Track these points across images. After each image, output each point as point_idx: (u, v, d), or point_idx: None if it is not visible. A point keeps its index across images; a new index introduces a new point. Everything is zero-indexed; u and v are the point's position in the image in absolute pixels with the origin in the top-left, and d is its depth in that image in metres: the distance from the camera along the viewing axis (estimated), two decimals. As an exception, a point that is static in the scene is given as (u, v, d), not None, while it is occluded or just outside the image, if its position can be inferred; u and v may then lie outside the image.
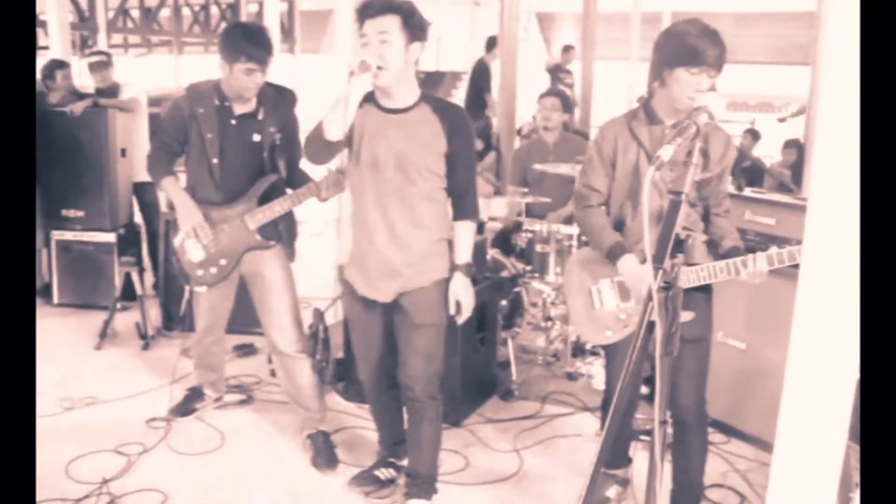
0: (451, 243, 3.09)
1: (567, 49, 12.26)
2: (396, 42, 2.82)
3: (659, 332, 1.96)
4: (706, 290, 2.85)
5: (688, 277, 2.67)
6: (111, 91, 5.86)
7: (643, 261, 2.81)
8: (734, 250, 2.79)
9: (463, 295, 3.02)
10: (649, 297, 1.95)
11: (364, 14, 2.83)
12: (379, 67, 2.81)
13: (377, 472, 3.41)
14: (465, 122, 3.01)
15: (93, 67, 5.88)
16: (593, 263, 3.00)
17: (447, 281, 3.05)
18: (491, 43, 10.68)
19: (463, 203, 3.06)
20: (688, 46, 2.61)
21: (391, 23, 2.81)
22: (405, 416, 3.30)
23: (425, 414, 3.13)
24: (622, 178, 2.90)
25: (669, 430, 2.92)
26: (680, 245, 2.03)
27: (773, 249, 2.57)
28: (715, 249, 2.85)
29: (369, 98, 2.98)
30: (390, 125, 2.95)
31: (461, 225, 3.06)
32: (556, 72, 11.86)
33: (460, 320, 3.08)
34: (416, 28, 2.86)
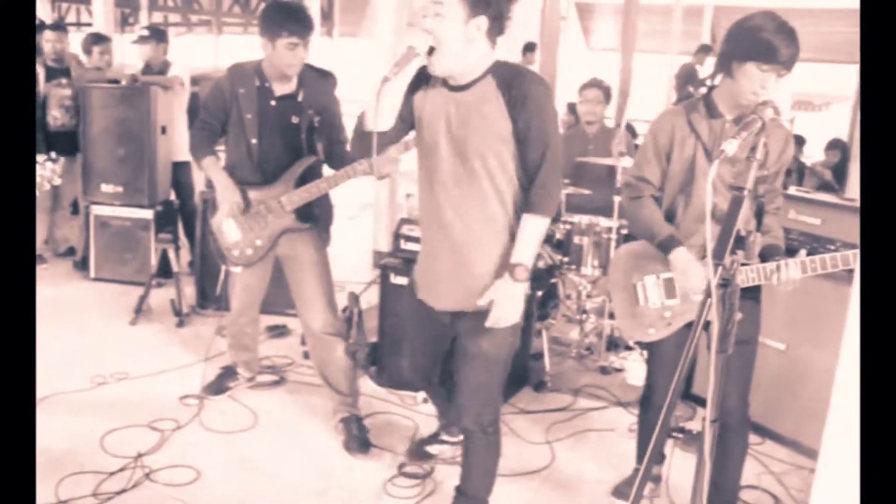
0: None
1: (705, 49, 11.38)
2: (454, 15, 2.33)
3: (715, 329, 1.92)
4: (754, 291, 2.79)
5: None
6: (161, 69, 5.88)
7: (701, 257, 2.77)
8: (772, 248, 2.74)
9: (500, 297, 2.51)
10: (707, 294, 1.91)
11: None
12: (431, 49, 2.37)
13: (429, 448, 3.46)
14: (534, 92, 2.42)
15: (146, 40, 5.90)
16: (638, 259, 2.95)
17: None
18: (528, 48, 10.43)
19: (531, 191, 2.49)
20: (763, 41, 2.54)
21: None
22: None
23: (474, 445, 2.84)
24: (677, 172, 2.84)
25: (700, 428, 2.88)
26: (740, 242, 1.98)
27: (807, 257, 2.54)
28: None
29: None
30: (453, 104, 2.48)
31: (526, 218, 2.51)
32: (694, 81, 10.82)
33: (488, 323, 2.54)
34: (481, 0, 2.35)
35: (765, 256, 2.73)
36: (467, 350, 2.66)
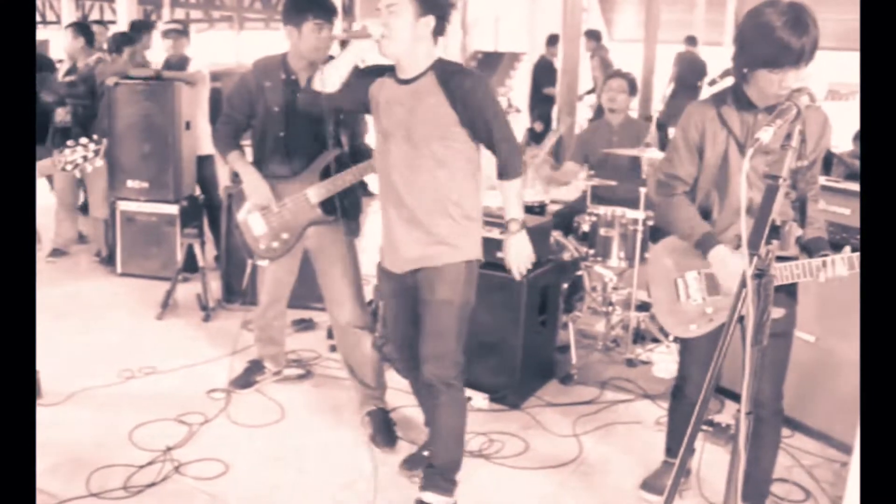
0: (474, 222, 2.98)
1: (690, 40, 11.34)
2: (405, 13, 2.74)
3: (750, 320, 1.89)
4: (791, 284, 2.70)
5: None
6: (180, 63, 5.93)
7: (737, 247, 2.72)
8: (817, 241, 2.65)
9: (513, 255, 2.97)
10: (742, 285, 1.87)
11: None
12: (383, 36, 2.77)
13: (426, 453, 3.37)
14: (472, 86, 2.81)
15: (168, 34, 5.97)
16: (679, 254, 2.87)
17: (469, 263, 2.94)
18: (551, 41, 10.45)
19: (499, 163, 2.92)
20: (771, 44, 2.40)
21: None
22: None
23: (438, 399, 2.98)
24: (710, 167, 2.74)
25: (730, 420, 2.84)
26: (775, 232, 1.93)
27: (855, 254, 2.44)
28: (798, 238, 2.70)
29: (390, 69, 2.93)
30: (401, 96, 2.87)
31: (502, 185, 2.96)
32: None
33: (517, 276, 3.03)
34: (429, 2, 2.76)
35: (810, 250, 2.64)
36: (425, 297, 2.95)
